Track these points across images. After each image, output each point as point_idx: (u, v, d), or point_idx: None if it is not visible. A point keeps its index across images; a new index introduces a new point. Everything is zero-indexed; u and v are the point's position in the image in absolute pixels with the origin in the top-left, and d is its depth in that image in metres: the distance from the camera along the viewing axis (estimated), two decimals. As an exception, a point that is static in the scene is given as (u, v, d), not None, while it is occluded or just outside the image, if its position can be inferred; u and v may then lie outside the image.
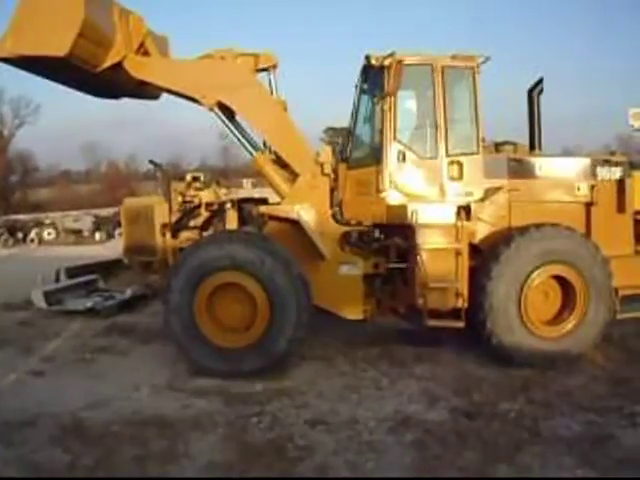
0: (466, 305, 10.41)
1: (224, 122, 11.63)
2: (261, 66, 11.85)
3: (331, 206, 11.44)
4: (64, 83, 11.70)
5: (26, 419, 8.43)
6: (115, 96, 12.73)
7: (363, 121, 12.35)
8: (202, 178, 24.89)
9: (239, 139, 11.87)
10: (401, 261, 10.94)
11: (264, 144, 12.21)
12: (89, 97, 12.63)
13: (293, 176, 11.52)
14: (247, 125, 12.23)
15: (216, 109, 11.34)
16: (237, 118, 12.20)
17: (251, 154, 11.84)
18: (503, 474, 6.79)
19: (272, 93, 11.92)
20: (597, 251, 10.59)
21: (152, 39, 11.66)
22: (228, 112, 11.67)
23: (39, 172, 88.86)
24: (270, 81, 11.99)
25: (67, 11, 9.95)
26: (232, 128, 11.81)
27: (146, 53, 11.53)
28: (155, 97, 13.28)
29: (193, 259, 10.29)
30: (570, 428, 7.96)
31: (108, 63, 11.06)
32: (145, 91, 12.46)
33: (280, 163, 11.80)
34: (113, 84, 11.71)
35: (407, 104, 11.68)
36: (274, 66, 11.93)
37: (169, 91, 12.05)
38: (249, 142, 12.03)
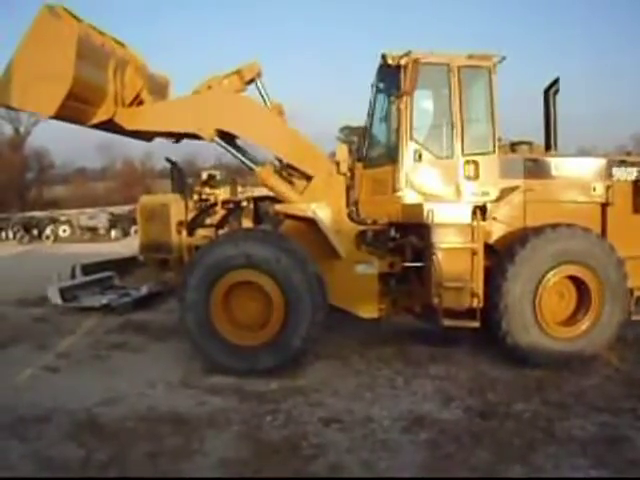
0: (481, 305, 10.39)
1: (226, 149, 11.59)
2: (248, 79, 11.80)
3: (347, 205, 11.44)
4: (62, 120, 11.63)
5: (41, 414, 8.49)
6: (114, 132, 12.60)
7: (379, 120, 12.34)
8: (218, 176, 24.94)
9: (242, 160, 11.80)
10: (417, 260, 10.92)
11: (278, 159, 12.15)
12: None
13: (307, 180, 11.51)
14: (248, 143, 12.23)
15: (216, 139, 11.28)
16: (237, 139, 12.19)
17: (252, 170, 11.80)
18: (517, 474, 6.78)
19: (265, 101, 11.92)
20: (612, 252, 10.56)
21: (149, 88, 11.64)
22: (228, 136, 11.64)
23: (55, 169, 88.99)
24: (260, 90, 11.97)
25: (57, 72, 9.87)
26: (234, 152, 11.70)
27: (141, 102, 11.50)
28: (149, 140, 13.26)
29: (209, 257, 10.31)
30: (584, 429, 7.95)
31: (96, 121, 11.04)
32: (140, 134, 12.32)
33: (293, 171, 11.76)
34: (109, 125, 11.62)
35: (423, 103, 11.66)
36: (259, 74, 11.88)
37: (163, 134, 12.13)
38: (250, 159, 11.96)
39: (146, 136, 12.60)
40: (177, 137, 12.17)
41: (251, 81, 11.82)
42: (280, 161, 11.87)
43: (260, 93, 11.93)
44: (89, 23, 10.83)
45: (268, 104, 11.82)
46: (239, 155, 11.66)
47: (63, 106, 10.02)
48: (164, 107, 11.70)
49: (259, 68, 11.78)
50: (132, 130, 11.60)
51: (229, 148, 11.55)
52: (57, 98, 9.91)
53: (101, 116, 10.98)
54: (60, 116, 10.32)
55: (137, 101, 11.41)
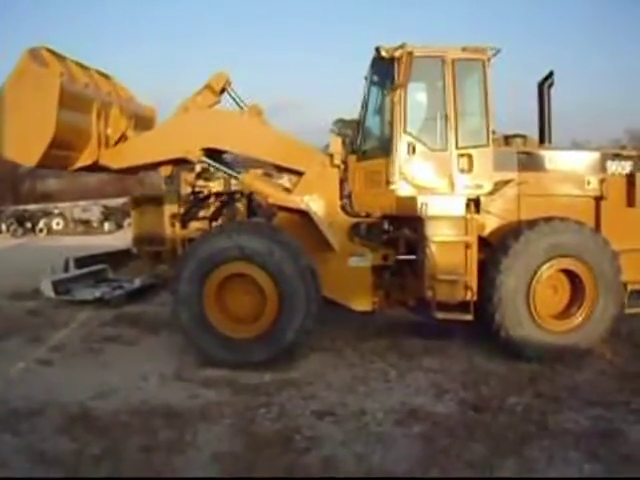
0: (475, 298, 10.40)
1: (214, 165, 11.75)
2: (219, 89, 11.80)
3: (341, 197, 11.44)
4: (45, 167, 11.58)
5: (34, 408, 8.48)
6: (99, 171, 12.45)
7: (373, 113, 12.32)
8: (211, 169, 24.88)
9: (229, 173, 11.91)
10: (410, 253, 10.95)
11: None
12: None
13: (298, 177, 11.54)
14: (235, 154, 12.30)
15: (204, 158, 11.32)
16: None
17: (237, 178, 11.82)
18: (510, 467, 6.78)
19: (240, 106, 11.93)
20: (606, 245, 10.57)
21: (135, 124, 11.67)
22: (215, 152, 11.62)
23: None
24: (233, 97, 11.98)
25: (39, 122, 9.87)
26: (222, 167, 11.82)
27: (126, 139, 11.49)
28: (134, 173, 13.21)
29: (202, 250, 10.29)
30: (577, 422, 7.96)
31: (79, 165, 11.05)
32: (126, 169, 12.16)
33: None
34: (94, 167, 11.55)
35: (417, 96, 11.61)
36: (228, 82, 11.84)
37: (149, 166, 12.02)
38: (233, 169, 11.99)
39: (132, 171, 12.54)
40: (164, 165, 12.06)
41: (223, 91, 11.84)
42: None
43: (234, 100, 11.95)
44: (73, 60, 10.82)
45: (245, 108, 11.80)
46: (227, 169, 11.73)
47: (46, 155, 10.04)
48: (146, 139, 11.65)
49: (227, 76, 11.79)
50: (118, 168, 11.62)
51: (216, 164, 11.67)
52: (39, 149, 9.97)
53: (85, 160, 11.01)
54: (43, 165, 10.35)
55: (122, 140, 11.44)
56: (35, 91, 9.88)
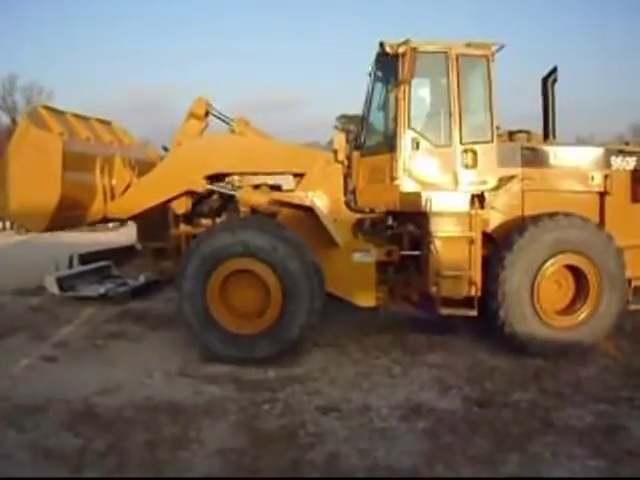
0: (479, 294, 10.41)
1: (221, 191, 11.93)
2: (202, 114, 12.01)
3: (345, 193, 11.44)
4: (54, 231, 11.66)
5: (38, 404, 8.47)
6: (111, 222, 12.46)
7: (377, 108, 12.29)
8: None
9: (229, 194, 11.96)
10: (414, 249, 10.96)
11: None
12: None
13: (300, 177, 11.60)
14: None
15: (209, 186, 11.45)
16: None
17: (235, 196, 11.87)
18: (514, 463, 6.78)
19: (227, 123, 12.16)
20: (610, 241, 10.55)
21: (138, 171, 11.74)
22: (217, 176, 11.74)
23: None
24: (218, 117, 12.21)
25: (44, 189, 9.88)
26: (224, 190, 11.94)
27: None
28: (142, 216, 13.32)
29: (206, 246, 10.29)
30: (582, 418, 7.95)
31: (87, 222, 11.22)
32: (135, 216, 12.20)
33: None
34: (109, 220, 11.66)
35: (421, 92, 11.63)
36: (209, 104, 12.04)
37: (159, 206, 11.86)
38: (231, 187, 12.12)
39: (143, 215, 12.55)
40: (175, 201, 12.08)
41: (207, 114, 12.05)
42: None
43: (220, 119, 12.18)
44: (72, 113, 10.83)
45: (232, 124, 11.91)
46: (227, 191, 11.89)
47: (53, 219, 10.10)
48: (149, 182, 11.66)
49: (206, 99, 12.04)
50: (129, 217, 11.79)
51: (220, 188, 11.86)
52: (46, 215, 10.05)
53: (93, 217, 11.18)
54: (52, 229, 10.51)
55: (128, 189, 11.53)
56: (37, 155, 9.89)
